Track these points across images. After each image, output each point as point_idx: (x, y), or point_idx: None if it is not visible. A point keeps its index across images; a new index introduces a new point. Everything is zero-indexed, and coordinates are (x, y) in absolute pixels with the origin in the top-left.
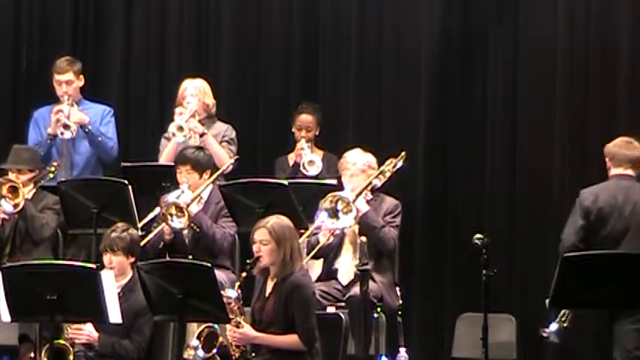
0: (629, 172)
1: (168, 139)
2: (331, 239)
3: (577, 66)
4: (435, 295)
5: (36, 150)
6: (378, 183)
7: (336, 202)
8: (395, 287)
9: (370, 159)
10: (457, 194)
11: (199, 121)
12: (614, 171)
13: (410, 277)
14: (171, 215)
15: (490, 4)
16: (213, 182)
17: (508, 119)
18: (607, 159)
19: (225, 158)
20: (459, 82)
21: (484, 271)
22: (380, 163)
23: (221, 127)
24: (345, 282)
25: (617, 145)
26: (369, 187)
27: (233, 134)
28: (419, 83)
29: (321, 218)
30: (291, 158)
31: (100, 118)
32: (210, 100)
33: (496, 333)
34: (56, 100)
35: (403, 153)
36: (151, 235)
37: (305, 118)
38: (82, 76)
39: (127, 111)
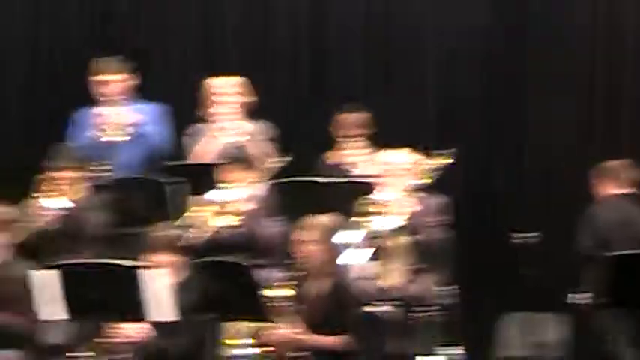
0: (629, 190)
1: (195, 138)
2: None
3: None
4: (483, 294)
5: (82, 148)
6: (421, 183)
7: (379, 204)
8: (442, 286)
9: (412, 159)
10: (502, 192)
11: (235, 119)
12: (615, 190)
13: (458, 275)
14: (220, 214)
15: (532, 3)
16: (259, 181)
17: (548, 118)
18: (608, 178)
19: (266, 157)
20: (502, 81)
21: (532, 270)
22: (423, 163)
23: (256, 126)
24: (391, 282)
25: (617, 167)
26: (412, 188)
27: (269, 132)
28: (462, 83)
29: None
30: (334, 157)
31: (149, 117)
32: (246, 98)
33: (543, 332)
34: (100, 101)
35: (446, 152)
36: (197, 234)
37: (347, 118)
38: (128, 76)
39: (173, 110)
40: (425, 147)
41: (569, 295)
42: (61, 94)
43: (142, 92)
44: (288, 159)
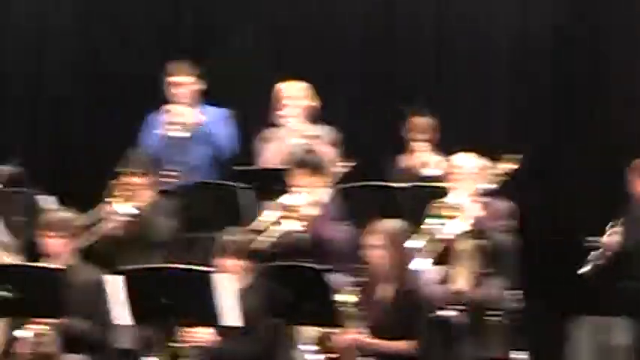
0: None
1: (267, 142)
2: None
3: None
4: (553, 298)
5: (151, 154)
6: (488, 186)
7: (447, 207)
8: (512, 290)
9: (478, 163)
10: (573, 195)
11: (304, 123)
12: None
13: (527, 279)
14: (286, 218)
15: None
16: (326, 185)
17: (622, 119)
18: None
19: (332, 161)
20: (574, 83)
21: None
22: (490, 167)
23: (323, 130)
24: (460, 287)
25: None
26: (479, 191)
27: (335, 136)
28: (533, 85)
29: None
30: (405, 161)
31: (217, 120)
32: (312, 102)
33: (614, 337)
34: (170, 102)
35: (514, 156)
36: (265, 238)
37: (419, 121)
38: (198, 80)
39: (244, 114)
40: (492, 151)
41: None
42: (131, 97)
43: (210, 96)
44: (353, 163)
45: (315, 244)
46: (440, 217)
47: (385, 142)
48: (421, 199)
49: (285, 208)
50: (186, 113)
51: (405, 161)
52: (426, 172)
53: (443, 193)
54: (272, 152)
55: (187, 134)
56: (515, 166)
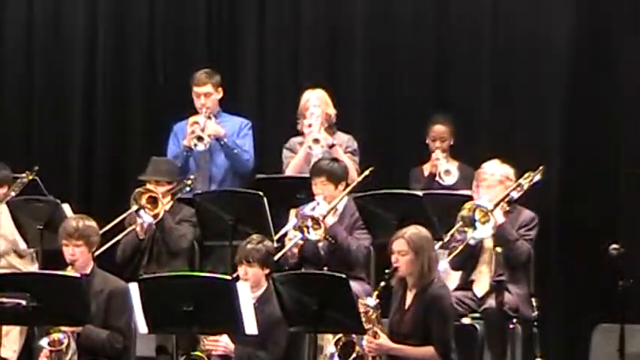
0: None
1: (292, 151)
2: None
3: None
4: (571, 306)
5: (174, 162)
6: (515, 195)
7: (474, 211)
8: (530, 298)
9: (508, 171)
10: (593, 203)
11: (327, 132)
12: None
13: (545, 287)
14: (307, 227)
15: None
16: (349, 193)
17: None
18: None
19: (352, 169)
20: (596, 90)
21: (620, 282)
22: (516, 175)
23: (343, 138)
24: (480, 294)
25: None
26: (506, 199)
27: (355, 145)
28: (555, 92)
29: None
30: (426, 169)
31: (238, 130)
32: (332, 111)
33: (633, 344)
34: (193, 112)
35: (541, 167)
36: (288, 247)
37: (439, 129)
38: (220, 89)
39: (262, 123)
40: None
41: None
42: (157, 105)
43: (232, 104)
44: (372, 168)
45: (333, 252)
46: (470, 219)
47: (407, 150)
48: (444, 208)
49: (306, 217)
50: (208, 125)
51: (426, 169)
52: (447, 180)
53: (466, 201)
54: (297, 160)
55: (208, 146)
56: (539, 177)
